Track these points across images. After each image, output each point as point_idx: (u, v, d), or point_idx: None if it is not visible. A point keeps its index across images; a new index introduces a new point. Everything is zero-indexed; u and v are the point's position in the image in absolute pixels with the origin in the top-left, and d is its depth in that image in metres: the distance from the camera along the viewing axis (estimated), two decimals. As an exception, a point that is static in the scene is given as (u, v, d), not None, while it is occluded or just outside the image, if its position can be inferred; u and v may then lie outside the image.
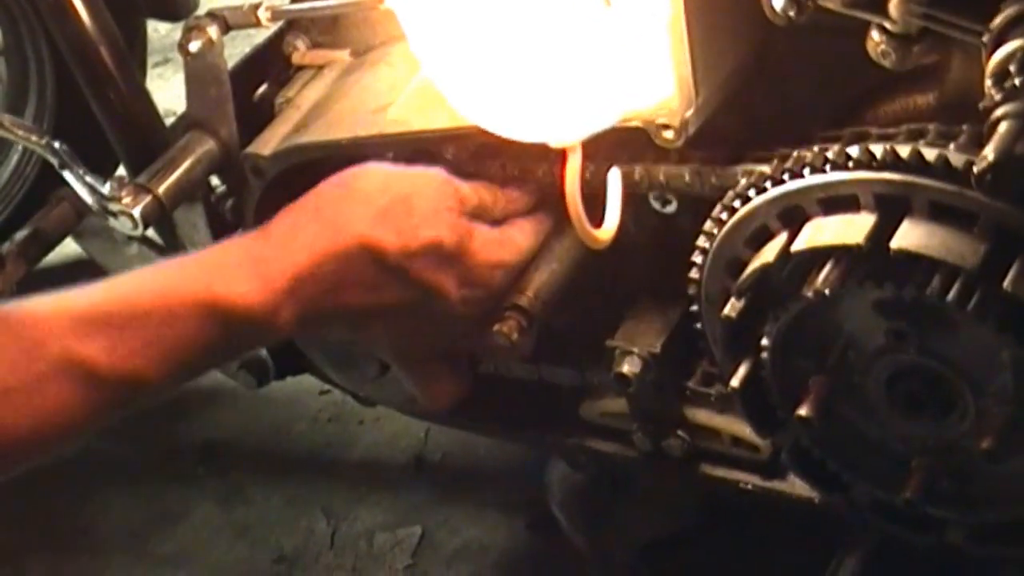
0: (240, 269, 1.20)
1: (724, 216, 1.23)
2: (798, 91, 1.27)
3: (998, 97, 1.03)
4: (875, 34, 1.11)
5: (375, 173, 1.30)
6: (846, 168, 1.14)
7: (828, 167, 1.15)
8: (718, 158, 1.26)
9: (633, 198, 1.36)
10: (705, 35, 1.18)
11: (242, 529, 1.99)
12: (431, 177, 1.31)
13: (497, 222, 1.34)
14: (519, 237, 1.34)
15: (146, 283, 1.19)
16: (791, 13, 1.12)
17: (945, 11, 1.07)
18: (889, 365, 1.22)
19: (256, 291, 1.19)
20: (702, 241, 1.26)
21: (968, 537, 1.29)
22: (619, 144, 1.29)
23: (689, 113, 1.20)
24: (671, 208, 1.35)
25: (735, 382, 1.26)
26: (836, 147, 1.15)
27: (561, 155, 1.26)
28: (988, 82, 1.05)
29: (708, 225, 1.25)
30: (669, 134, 1.22)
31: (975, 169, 1.02)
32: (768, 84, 1.27)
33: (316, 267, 1.22)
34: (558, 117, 1.22)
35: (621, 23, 1.16)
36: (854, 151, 1.13)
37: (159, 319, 1.15)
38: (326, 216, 1.25)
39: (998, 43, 1.04)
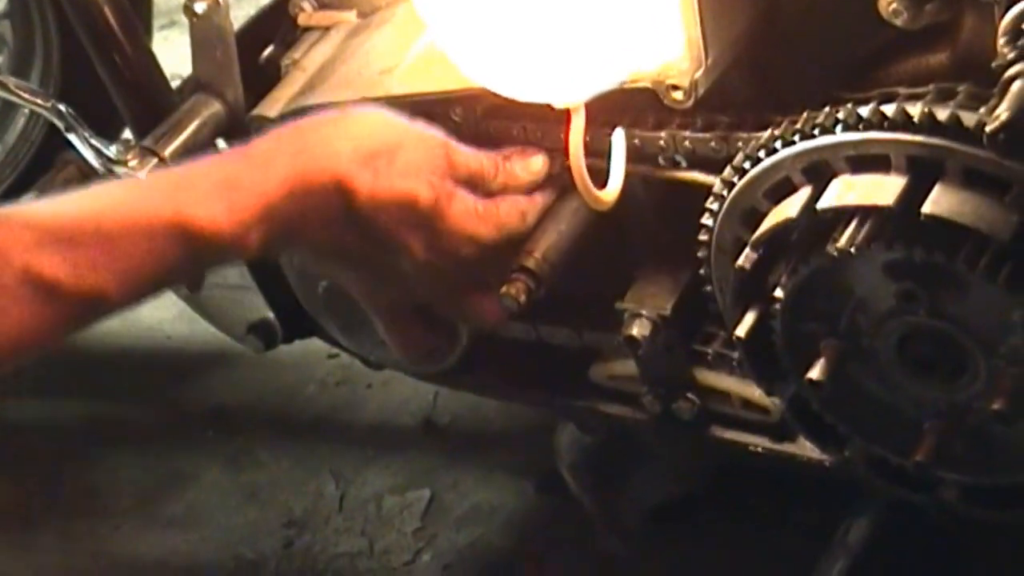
0: (212, 193, 1.18)
1: (747, 165, 1.22)
2: (809, 51, 1.26)
3: (1011, 56, 1.03)
4: (888, -9, 1.10)
5: (371, 117, 1.28)
6: (880, 127, 1.12)
7: (861, 125, 1.13)
8: (743, 123, 1.25)
9: (642, 161, 1.36)
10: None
11: (251, 492, 1.99)
12: (426, 135, 1.28)
13: (491, 195, 1.31)
14: (505, 214, 1.31)
15: (116, 200, 1.17)
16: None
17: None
18: (899, 327, 1.21)
19: (225, 216, 1.17)
20: (718, 188, 1.25)
21: (962, 497, 1.29)
22: (638, 108, 1.28)
23: (699, 74, 1.19)
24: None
25: (741, 331, 1.25)
26: (871, 105, 1.14)
27: (566, 116, 1.25)
28: (1001, 40, 1.04)
29: (727, 173, 1.24)
30: (678, 95, 1.21)
31: (987, 128, 1.01)
32: (778, 44, 1.26)
33: (287, 195, 1.19)
34: (561, 77, 1.21)
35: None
36: (890, 110, 1.12)
37: (125, 238, 1.13)
38: (308, 146, 1.23)
39: (1011, 1, 1.03)
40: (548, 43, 1.18)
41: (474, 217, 1.28)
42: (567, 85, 1.22)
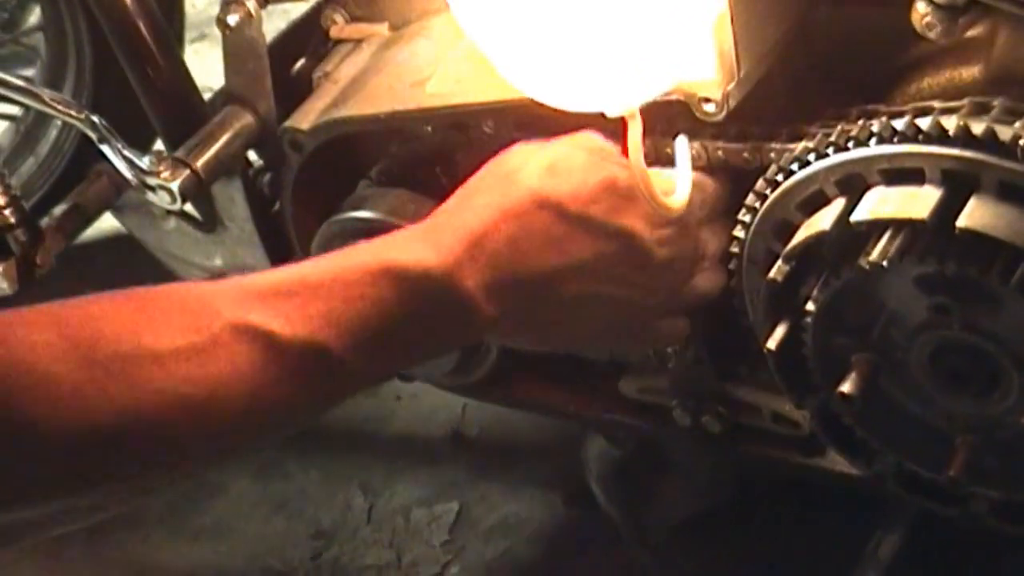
0: (414, 238, 1.14)
1: (780, 178, 1.22)
2: (843, 63, 1.26)
3: (1046, 69, 1.02)
4: (920, 5, 1.09)
5: (527, 146, 1.25)
6: (915, 140, 1.12)
7: (896, 138, 1.13)
8: (775, 134, 1.25)
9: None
10: (746, 7, 1.17)
11: (280, 503, 2.00)
12: (585, 134, 1.25)
13: None
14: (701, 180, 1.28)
15: (319, 262, 1.12)
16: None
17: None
18: (932, 341, 1.20)
19: (433, 254, 1.12)
20: (751, 200, 1.25)
21: (993, 512, 1.28)
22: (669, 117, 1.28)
23: (731, 87, 1.19)
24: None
25: (771, 344, 1.25)
26: (906, 118, 1.14)
27: (622, 125, 1.23)
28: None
29: (760, 186, 1.24)
30: (710, 107, 1.21)
31: (1022, 142, 1.01)
32: (812, 56, 1.26)
33: (492, 229, 1.15)
34: (612, 85, 1.19)
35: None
36: (925, 124, 1.12)
37: (331, 288, 1.07)
38: (493, 182, 1.20)
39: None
40: (599, 49, 1.16)
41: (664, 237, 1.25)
42: (621, 92, 1.20)
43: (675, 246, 1.25)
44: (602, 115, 1.19)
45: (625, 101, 1.19)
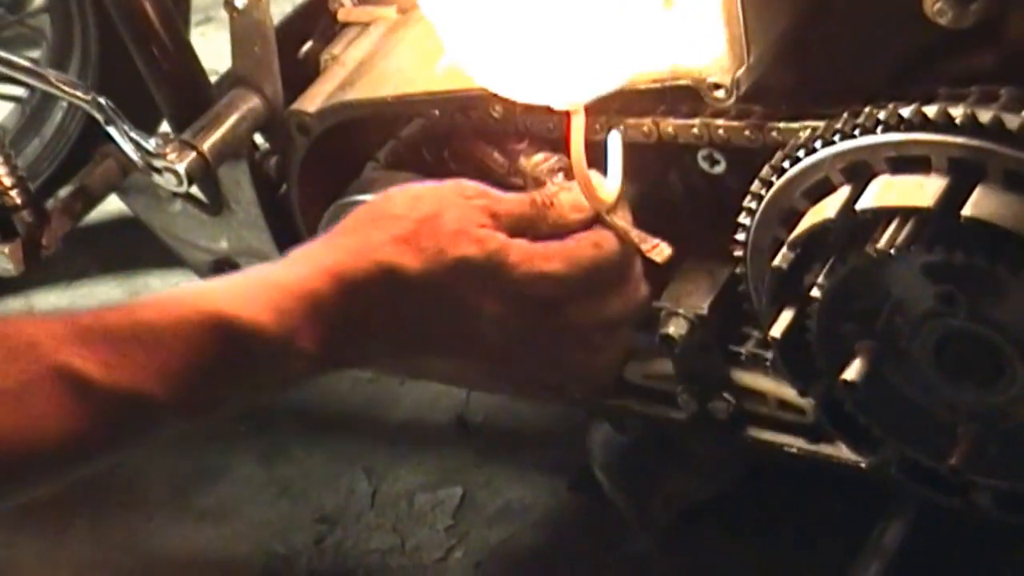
0: (249, 288, 1.12)
1: (786, 165, 1.21)
2: (852, 48, 1.25)
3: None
4: (932, -9, 1.10)
5: (402, 196, 1.21)
6: (922, 128, 1.12)
7: (902, 126, 1.13)
8: (778, 114, 1.25)
9: (680, 158, 1.36)
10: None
11: (284, 487, 2.00)
12: (461, 193, 1.22)
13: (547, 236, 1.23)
14: (575, 247, 1.22)
15: (152, 300, 1.11)
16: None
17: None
18: (937, 329, 1.20)
19: (265, 310, 1.10)
20: (756, 187, 1.25)
21: (995, 502, 1.28)
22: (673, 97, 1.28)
23: (740, 71, 1.19)
24: (719, 168, 1.34)
25: (776, 331, 1.25)
26: (912, 106, 1.13)
27: (565, 118, 1.22)
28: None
29: (766, 172, 1.24)
30: (720, 93, 1.20)
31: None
32: (822, 41, 1.26)
33: (333, 290, 1.13)
34: (560, 79, 1.18)
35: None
36: (931, 111, 1.12)
37: (160, 332, 1.06)
38: (345, 240, 1.17)
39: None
40: (547, 44, 1.16)
41: (539, 256, 1.20)
42: (566, 87, 1.19)
43: (533, 313, 1.21)
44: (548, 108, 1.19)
45: (571, 96, 1.19)
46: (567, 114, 1.22)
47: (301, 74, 1.54)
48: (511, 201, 1.23)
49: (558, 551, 1.81)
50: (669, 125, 1.29)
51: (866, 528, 1.47)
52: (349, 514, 1.93)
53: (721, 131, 1.27)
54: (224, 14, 1.50)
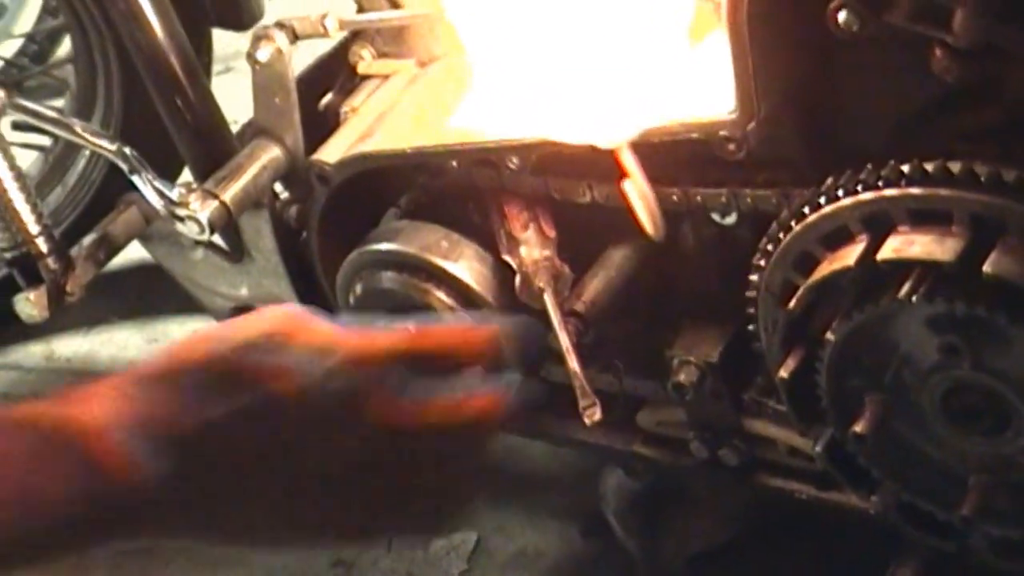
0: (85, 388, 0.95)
1: (806, 211, 1.23)
2: (861, 104, 1.28)
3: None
4: (938, 49, 1.12)
5: (273, 310, 0.99)
6: (945, 183, 1.14)
7: (926, 180, 1.15)
8: (800, 180, 1.27)
9: (693, 212, 1.38)
10: (766, 48, 1.19)
11: (299, 532, 2.01)
12: (328, 328, 0.99)
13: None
14: (445, 405, 1.00)
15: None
16: (854, 27, 1.13)
17: (1010, 27, 1.07)
18: (943, 381, 1.22)
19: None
20: (774, 231, 1.26)
21: (991, 547, 1.30)
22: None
23: (751, 126, 1.22)
24: (731, 220, 1.36)
25: (784, 372, 1.27)
26: (936, 161, 1.15)
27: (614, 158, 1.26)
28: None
29: (784, 217, 1.25)
30: (731, 147, 1.23)
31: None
32: (831, 97, 1.28)
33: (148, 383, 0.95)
34: (604, 118, 1.22)
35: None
36: (955, 167, 1.14)
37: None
38: (194, 338, 0.98)
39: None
40: (590, 86, 1.20)
41: (395, 409, 0.98)
42: (609, 125, 1.23)
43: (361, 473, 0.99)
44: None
45: (614, 135, 1.22)
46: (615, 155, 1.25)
47: (321, 125, 1.57)
48: (386, 338, 1.01)
49: (570, 597, 1.83)
50: (698, 194, 1.32)
51: (877, 573, 1.48)
52: (365, 558, 1.94)
53: (748, 199, 1.30)
54: (243, 64, 1.53)
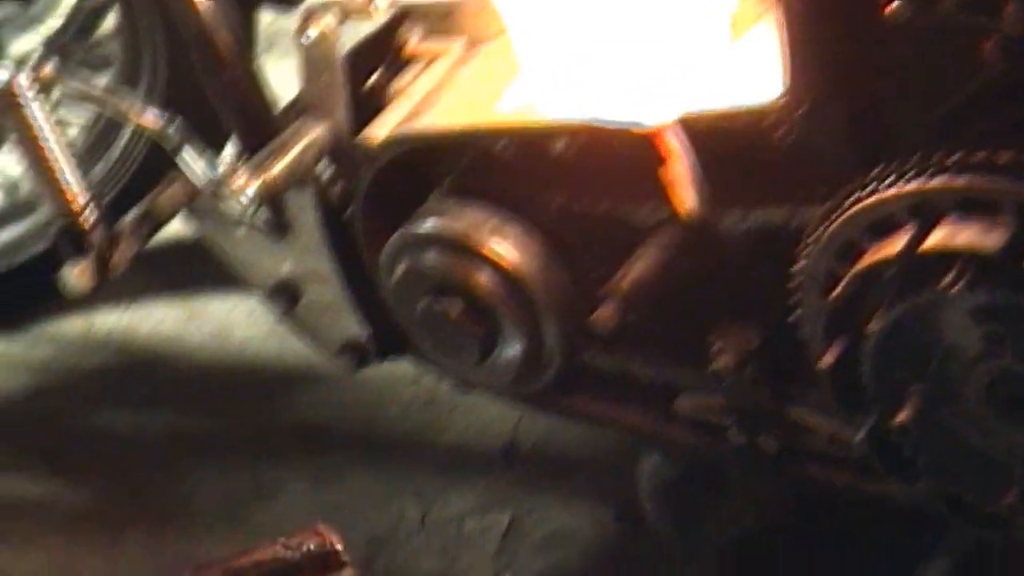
0: None
1: (851, 200, 1.23)
2: (909, 95, 1.28)
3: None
4: (988, 39, 1.12)
5: None
6: (992, 173, 1.14)
7: (974, 170, 1.15)
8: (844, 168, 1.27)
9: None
10: (817, 35, 1.19)
11: (333, 510, 2.01)
12: None
13: None
14: None
15: None
16: (906, 15, 1.13)
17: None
18: (988, 371, 1.22)
19: None
20: (819, 218, 1.26)
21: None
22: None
23: (801, 111, 1.22)
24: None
25: (827, 361, 1.27)
26: (985, 151, 1.15)
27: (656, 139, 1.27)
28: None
29: (831, 205, 1.25)
30: (780, 133, 1.23)
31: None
32: (879, 86, 1.28)
33: None
34: (646, 98, 1.23)
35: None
36: (1004, 158, 1.14)
37: None
38: None
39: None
40: (634, 68, 1.20)
41: None
42: (652, 106, 1.23)
43: None
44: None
45: (658, 115, 1.22)
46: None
47: (368, 104, 1.57)
48: None
49: (603, 579, 1.83)
50: (760, 214, 1.34)
51: (917, 561, 1.48)
52: (398, 537, 1.95)
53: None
54: (286, 42, 1.54)
